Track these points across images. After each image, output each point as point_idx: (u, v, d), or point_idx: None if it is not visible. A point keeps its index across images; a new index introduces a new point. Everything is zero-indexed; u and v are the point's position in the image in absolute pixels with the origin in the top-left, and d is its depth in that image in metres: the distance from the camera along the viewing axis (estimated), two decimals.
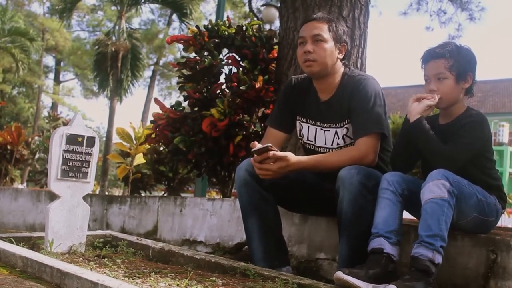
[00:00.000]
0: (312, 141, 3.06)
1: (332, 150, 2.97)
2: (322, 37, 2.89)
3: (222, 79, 4.47)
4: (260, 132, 4.45)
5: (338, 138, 2.95)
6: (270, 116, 3.26)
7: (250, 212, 2.91)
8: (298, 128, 3.12)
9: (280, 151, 2.81)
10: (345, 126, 2.93)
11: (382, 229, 2.46)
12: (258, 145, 2.72)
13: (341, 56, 2.97)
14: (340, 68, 2.99)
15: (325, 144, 3.00)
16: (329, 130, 2.98)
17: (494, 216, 2.64)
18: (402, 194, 2.53)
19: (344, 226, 2.67)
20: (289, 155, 2.73)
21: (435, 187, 2.35)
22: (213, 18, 19.45)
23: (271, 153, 2.68)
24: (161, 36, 30.63)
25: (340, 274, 2.30)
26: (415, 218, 2.92)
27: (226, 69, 4.53)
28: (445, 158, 2.51)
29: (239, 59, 4.44)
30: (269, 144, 2.72)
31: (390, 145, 3.03)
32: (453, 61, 2.64)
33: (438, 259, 2.28)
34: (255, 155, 2.73)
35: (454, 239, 2.58)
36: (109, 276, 2.31)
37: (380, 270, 2.33)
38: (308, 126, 3.06)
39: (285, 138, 3.21)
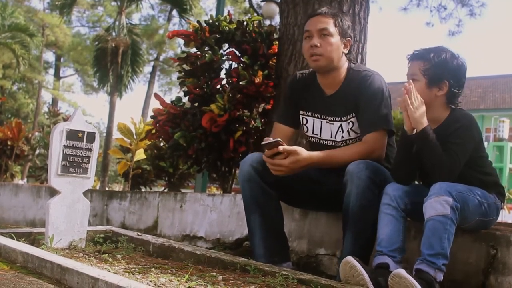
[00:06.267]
0: (317, 135, 3.06)
1: (337, 143, 2.98)
2: (328, 32, 2.91)
3: (222, 74, 4.47)
4: (260, 128, 4.45)
5: (343, 132, 2.96)
6: (276, 112, 3.27)
7: (252, 208, 2.92)
8: (302, 122, 3.12)
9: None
10: (350, 120, 2.94)
11: (386, 248, 2.46)
12: (268, 139, 2.74)
13: (346, 51, 2.98)
14: (345, 63, 3.00)
15: (331, 137, 3.01)
16: (333, 124, 2.99)
17: (495, 215, 2.64)
18: (405, 209, 2.52)
19: (351, 220, 2.67)
20: (299, 149, 2.73)
21: (438, 204, 2.33)
22: (213, 13, 19.43)
23: (280, 147, 2.69)
24: (161, 31, 30.55)
25: (349, 257, 2.34)
26: None
27: (226, 65, 4.53)
28: (444, 170, 2.48)
29: (239, 54, 4.44)
30: (279, 139, 2.73)
31: (393, 140, 3.05)
32: (429, 65, 2.61)
33: (440, 277, 2.30)
34: (266, 150, 2.73)
35: (454, 235, 2.58)
36: (109, 271, 2.31)
37: (384, 281, 2.32)
38: (314, 120, 3.06)
39: (293, 133, 3.21)
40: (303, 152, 2.73)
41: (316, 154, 2.79)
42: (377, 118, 2.82)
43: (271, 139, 2.72)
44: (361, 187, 2.62)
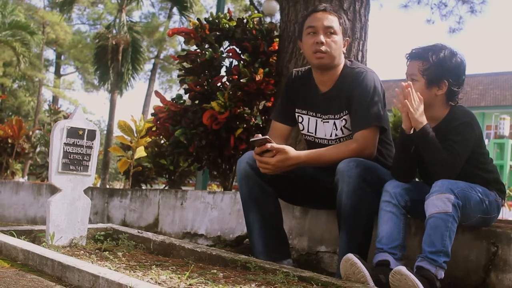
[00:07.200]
0: (312, 133, 3.06)
1: (331, 142, 2.97)
2: (334, 30, 2.91)
3: (223, 72, 4.47)
4: (261, 125, 4.45)
5: (336, 130, 2.96)
6: (274, 109, 3.26)
7: (250, 205, 2.91)
8: (298, 121, 3.12)
9: (286, 144, 2.81)
10: (343, 117, 2.93)
11: (386, 245, 2.46)
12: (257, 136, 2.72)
13: (344, 50, 2.99)
14: (342, 62, 3.00)
15: (325, 135, 3.00)
16: (328, 122, 2.99)
17: (496, 212, 2.64)
18: (405, 206, 2.52)
19: (343, 219, 2.67)
20: (288, 148, 2.72)
21: (439, 201, 2.33)
22: (213, 11, 19.45)
23: (268, 145, 2.68)
24: (161, 29, 30.61)
25: (350, 255, 2.34)
26: None
27: (226, 62, 4.52)
28: (446, 168, 2.47)
29: (240, 52, 4.43)
30: (267, 136, 2.71)
31: (389, 138, 3.05)
32: (428, 65, 2.60)
33: (441, 274, 2.31)
34: (256, 147, 2.72)
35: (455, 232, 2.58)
36: (110, 269, 2.32)
37: (385, 278, 2.31)
38: (309, 118, 3.06)
39: (290, 130, 3.20)
40: (291, 151, 2.72)
41: (304, 153, 2.78)
42: (368, 115, 2.81)
43: (260, 136, 2.71)
44: (352, 185, 2.61)
